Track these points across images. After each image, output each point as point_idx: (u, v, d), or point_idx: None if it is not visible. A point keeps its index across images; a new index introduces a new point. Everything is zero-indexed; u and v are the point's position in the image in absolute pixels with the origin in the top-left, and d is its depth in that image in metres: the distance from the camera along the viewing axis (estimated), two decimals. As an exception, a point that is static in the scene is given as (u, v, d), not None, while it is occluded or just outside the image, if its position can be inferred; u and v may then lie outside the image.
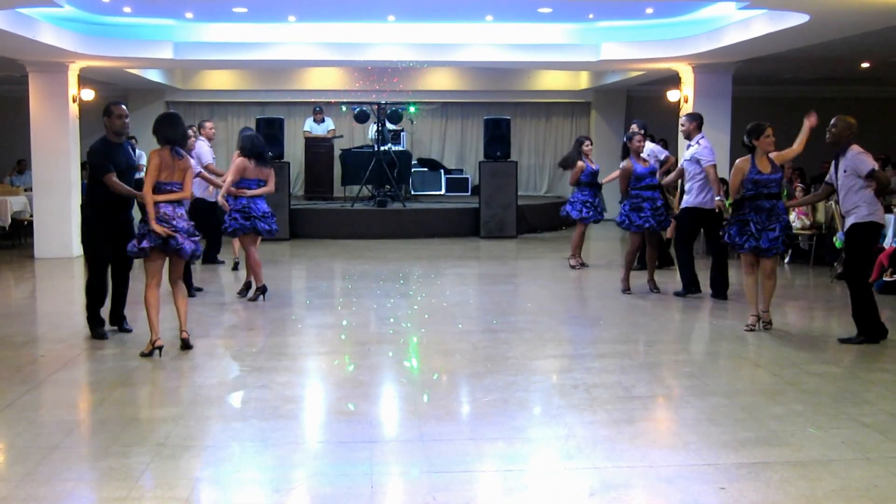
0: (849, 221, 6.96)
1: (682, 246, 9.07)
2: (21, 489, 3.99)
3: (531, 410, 5.31)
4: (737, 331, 7.44)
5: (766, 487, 4.02)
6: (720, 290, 8.88)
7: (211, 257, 11.30)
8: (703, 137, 8.95)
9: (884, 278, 9.32)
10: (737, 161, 7.54)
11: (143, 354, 6.45)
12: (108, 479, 4.15)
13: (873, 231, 6.94)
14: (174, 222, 6.43)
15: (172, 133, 6.49)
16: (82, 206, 7.34)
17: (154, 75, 15.65)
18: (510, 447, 4.61)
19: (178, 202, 6.53)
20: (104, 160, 6.89)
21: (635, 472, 4.22)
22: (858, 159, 6.85)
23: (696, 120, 9.11)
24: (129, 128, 7.25)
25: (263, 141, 9.19)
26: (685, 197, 9.03)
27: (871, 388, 5.79)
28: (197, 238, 6.67)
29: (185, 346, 6.60)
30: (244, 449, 4.57)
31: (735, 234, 7.37)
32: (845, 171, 6.88)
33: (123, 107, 7.08)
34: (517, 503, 3.92)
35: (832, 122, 7.00)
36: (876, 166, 6.91)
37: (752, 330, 7.36)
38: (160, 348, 6.43)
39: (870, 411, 5.22)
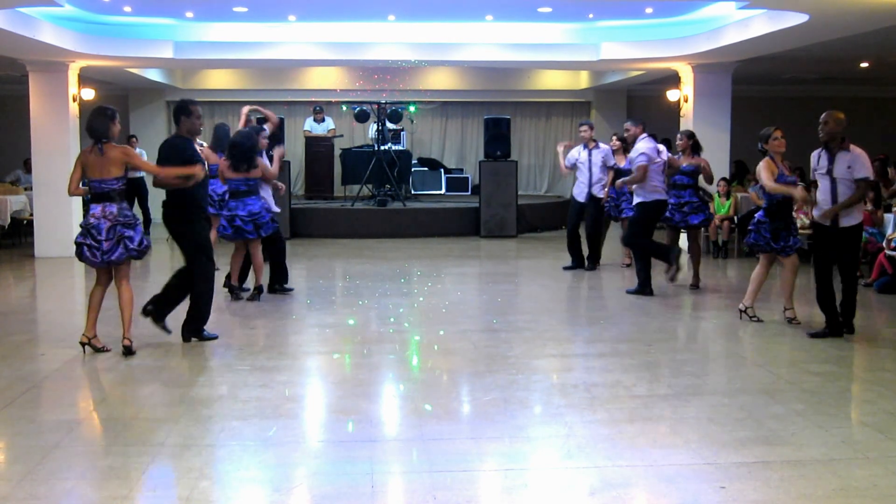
0: (847, 221, 6.92)
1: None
2: (21, 488, 3.99)
3: (531, 409, 5.31)
4: (737, 330, 7.45)
5: (766, 486, 4.02)
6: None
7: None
8: (643, 138, 9.14)
9: (887, 252, 9.34)
10: (763, 163, 7.38)
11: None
12: (108, 479, 4.15)
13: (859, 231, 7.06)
14: (100, 228, 6.33)
15: (91, 127, 6.42)
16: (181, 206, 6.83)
17: (154, 75, 15.65)
18: (510, 446, 4.61)
19: (109, 200, 6.38)
20: (171, 153, 6.75)
21: (635, 471, 4.22)
22: (861, 161, 6.83)
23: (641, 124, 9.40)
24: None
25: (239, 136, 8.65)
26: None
27: (871, 387, 5.80)
28: (133, 231, 6.40)
29: (127, 352, 6.46)
30: (245, 448, 4.57)
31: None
32: (849, 168, 6.81)
33: (199, 108, 7.00)
34: (517, 502, 3.92)
35: (823, 118, 6.93)
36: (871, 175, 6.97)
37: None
38: (84, 345, 6.53)
39: (870, 410, 5.22)
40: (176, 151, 6.76)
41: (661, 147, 9.20)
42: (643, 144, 8.99)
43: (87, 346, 6.53)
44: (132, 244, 6.38)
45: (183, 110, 6.93)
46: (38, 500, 3.88)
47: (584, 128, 10.92)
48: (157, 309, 6.93)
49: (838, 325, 7.06)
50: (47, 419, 5.11)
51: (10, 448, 4.62)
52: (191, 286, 6.94)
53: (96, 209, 6.39)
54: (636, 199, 9.06)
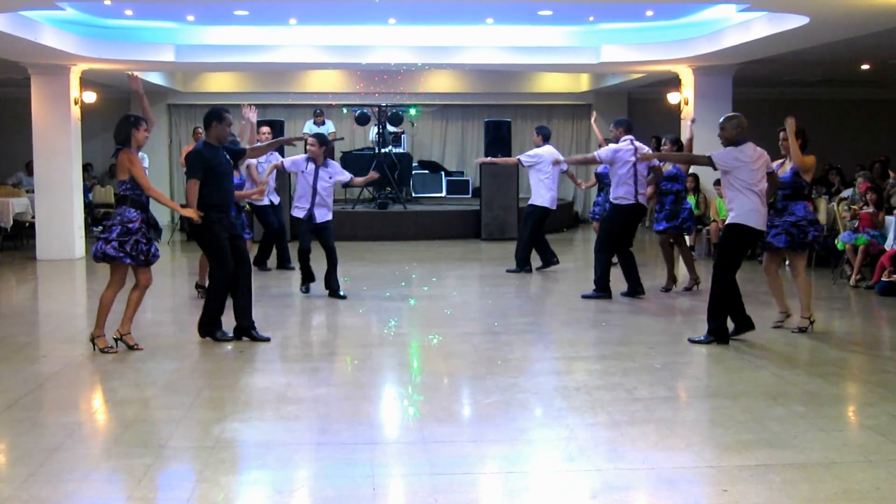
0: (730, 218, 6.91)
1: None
2: (23, 490, 3.99)
3: (532, 412, 5.31)
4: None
5: (768, 490, 4.02)
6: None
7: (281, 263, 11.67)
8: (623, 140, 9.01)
9: (883, 279, 9.33)
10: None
11: (103, 350, 6.58)
12: (110, 480, 4.15)
13: (742, 233, 6.86)
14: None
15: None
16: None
17: (155, 78, 15.64)
18: (512, 449, 4.61)
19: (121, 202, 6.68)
20: (198, 163, 6.80)
21: (637, 474, 4.22)
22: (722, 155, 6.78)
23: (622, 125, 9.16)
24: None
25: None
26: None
27: (873, 389, 5.79)
28: (110, 232, 6.53)
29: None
30: (246, 450, 4.57)
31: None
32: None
33: (230, 116, 7.04)
34: (519, 505, 3.92)
35: (720, 122, 6.89)
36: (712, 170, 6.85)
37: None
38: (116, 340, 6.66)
39: (872, 413, 5.22)
40: (201, 160, 6.78)
41: (638, 146, 9.05)
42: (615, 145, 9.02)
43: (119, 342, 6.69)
44: (108, 247, 6.40)
45: (215, 116, 6.94)
46: (41, 502, 3.88)
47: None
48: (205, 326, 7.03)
49: (730, 329, 7.01)
50: (49, 421, 5.11)
51: (13, 450, 4.62)
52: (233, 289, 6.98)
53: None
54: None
